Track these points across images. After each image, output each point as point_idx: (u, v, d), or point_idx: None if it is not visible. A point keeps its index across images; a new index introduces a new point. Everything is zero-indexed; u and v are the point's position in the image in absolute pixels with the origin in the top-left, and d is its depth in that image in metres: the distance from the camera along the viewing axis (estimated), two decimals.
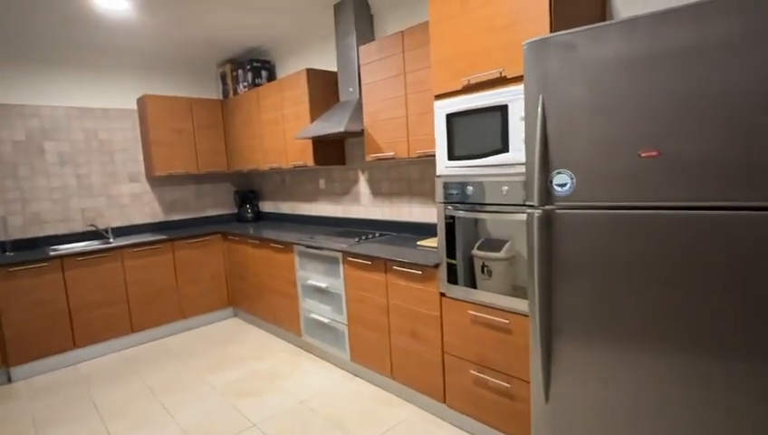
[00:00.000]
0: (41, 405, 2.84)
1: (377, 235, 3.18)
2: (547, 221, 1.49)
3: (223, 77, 4.50)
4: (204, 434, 2.39)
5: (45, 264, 3.27)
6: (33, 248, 3.65)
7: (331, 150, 3.51)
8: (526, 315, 1.86)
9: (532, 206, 1.52)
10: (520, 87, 1.75)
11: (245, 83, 4.17)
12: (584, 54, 1.34)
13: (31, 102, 3.66)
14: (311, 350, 3.37)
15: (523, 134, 1.74)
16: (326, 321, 3.09)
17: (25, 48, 3.53)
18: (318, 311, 3.17)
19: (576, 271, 1.44)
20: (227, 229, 4.18)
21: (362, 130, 2.88)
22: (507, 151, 1.83)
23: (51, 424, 2.61)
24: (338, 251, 2.87)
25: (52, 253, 3.35)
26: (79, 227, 3.92)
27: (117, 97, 4.11)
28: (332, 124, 2.97)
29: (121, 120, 4.13)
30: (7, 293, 3.11)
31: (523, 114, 1.74)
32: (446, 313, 2.22)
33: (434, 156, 2.48)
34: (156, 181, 4.36)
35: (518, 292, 1.87)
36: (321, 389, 2.81)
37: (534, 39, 1.46)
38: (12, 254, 3.43)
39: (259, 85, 4.05)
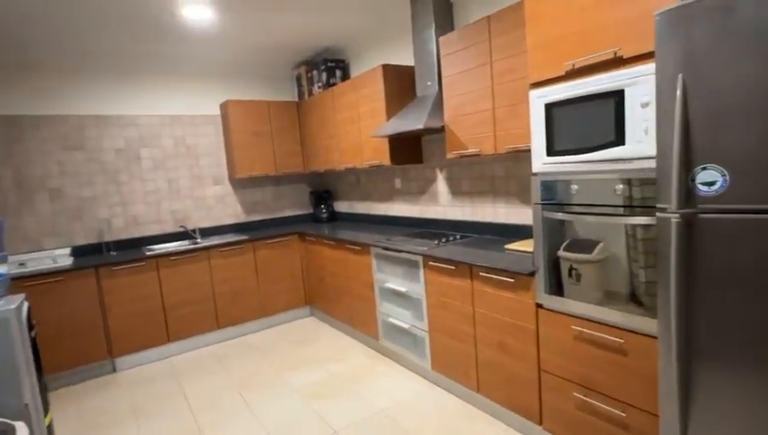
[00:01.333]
0: (139, 395, 3.02)
1: (458, 237, 3.00)
2: (687, 227, 1.23)
3: (298, 79, 4.55)
4: None
5: (142, 263, 3.49)
6: (132, 248, 3.94)
7: (408, 148, 3.38)
8: (647, 335, 1.59)
9: (663, 209, 1.26)
10: (641, 68, 1.49)
11: (320, 84, 4.17)
12: (748, 18, 1.07)
13: (129, 113, 3.94)
14: (388, 354, 3.28)
15: (646, 123, 1.48)
16: (405, 326, 2.98)
17: (124, 64, 3.79)
18: (396, 315, 3.06)
19: (724, 285, 1.17)
20: (304, 230, 4.22)
21: (442, 126, 2.71)
22: (623, 144, 1.57)
23: (147, 413, 2.76)
24: (418, 254, 2.73)
25: (148, 253, 3.58)
26: (170, 228, 4.17)
27: (202, 104, 4.31)
28: (410, 121, 2.83)
29: (206, 126, 4.33)
30: (111, 289, 3.37)
31: (645, 100, 1.48)
32: (544, 326, 1.99)
33: (525, 151, 2.25)
34: (237, 183, 4.52)
35: (630, 306, 1.61)
36: (402, 398, 2.70)
37: (671, 6, 1.20)
38: (114, 253, 3.71)
39: (333, 85, 4.03)
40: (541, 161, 1.89)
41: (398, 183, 3.82)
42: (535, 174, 1.92)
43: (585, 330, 1.80)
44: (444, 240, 2.90)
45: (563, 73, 1.75)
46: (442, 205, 3.36)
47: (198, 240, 4.12)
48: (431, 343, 2.76)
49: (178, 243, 4.08)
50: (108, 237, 3.86)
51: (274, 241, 4.14)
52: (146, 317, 3.53)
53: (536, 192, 1.93)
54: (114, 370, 3.45)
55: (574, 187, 1.76)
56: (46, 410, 2.18)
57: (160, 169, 4.10)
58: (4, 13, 2.58)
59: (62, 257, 3.54)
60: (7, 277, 2.09)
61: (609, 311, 1.70)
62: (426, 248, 2.71)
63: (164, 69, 4.06)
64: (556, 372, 1.97)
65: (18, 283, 3.02)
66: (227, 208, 4.49)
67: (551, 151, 1.84)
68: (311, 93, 4.37)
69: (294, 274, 4.28)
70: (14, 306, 1.98)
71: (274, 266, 4.15)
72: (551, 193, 1.86)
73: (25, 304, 2.12)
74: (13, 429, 1.87)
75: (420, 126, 2.65)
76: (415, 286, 2.82)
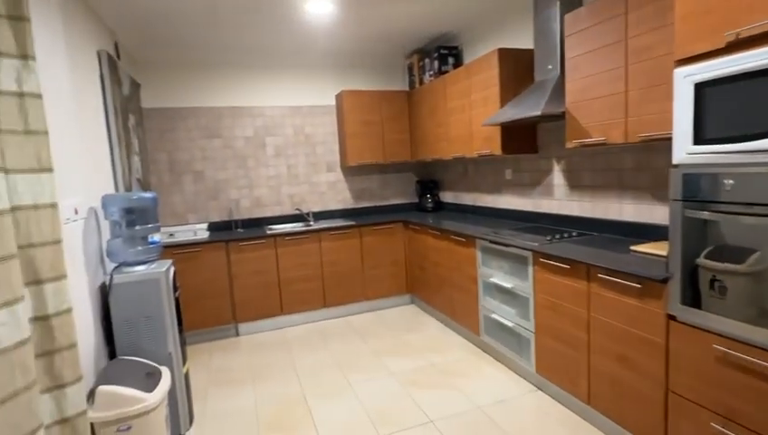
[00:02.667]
0: (256, 359, 3.36)
1: (573, 234, 2.76)
2: None
3: (410, 68, 4.58)
4: (383, 417, 2.45)
5: (263, 241, 3.86)
6: (255, 227, 4.37)
7: (521, 138, 3.18)
8: None
9: None
10: None
11: (431, 72, 4.14)
12: None
13: (258, 104, 4.35)
14: (488, 351, 3.17)
15: None
16: (509, 324, 2.84)
17: (255, 58, 4.19)
18: (500, 312, 2.93)
19: None
20: (408, 218, 4.26)
21: (562, 112, 2.50)
22: None
23: (262, 377, 3.05)
24: (527, 250, 2.57)
25: (268, 232, 3.94)
26: (287, 210, 4.54)
27: (319, 95, 4.58)
28: (526, 108, 2.66)
29: (323, 116, 4.59)
30: (238, 262, 3.79)
31: None
32: (677, 341, 1.73)
33: (663, 140, 1.96)
34: (348, 171, 4.73)
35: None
36: (501, 397, 2.59)
37: None
38: (241, 230, 4.16)
39: (445, 73, 3.96)
40: (685, 151, 1.62)
41: (508, 174, 3.64)
42: (676, 166, 1.66)
43: (732, 351, 1.52)
44: (558, 236, 2.69)
45: (723, 46, 1.47)
46: (557, 199, 3.12)
47: (311, 223, 4.42)
48: (537, 345, 2.59)
49: (294, 224, 4.42)
50: (236, 216, 4.34)
51: (380, 228, 4.25)
52: (264, 289, 3.90)
53: (676, 187, 1.67)
54: (237, 334, 3.89)
55: (728, 181, 1.48)
56: (184, 361, 2.54)
57: (281, 155, 4.47)
58: (168, 20, 3.01)
59: (201, 231, 4.08)
60: (160, 244, 2.46)
61: (766, 332, 1.40)
62: (537, 244, 2.54)
63: (288, 62, 4.39)
64: (689, 395, 1.70)
65: (167, 250, 3.55)
66: (338, 194, 4.73)
67: (699, 139, 1.57)
68: (421, 82, 4.37)
69: (397, 261, 4.35)
70: (163, 269, 2.33)
71: (378, 252, 4.27)
72: (695, 188, 1.60)
73: (172, 269, 2.47)
74: (159, 372, 2.21)
75: (537, 112, 2.47)
76: (522, 284, 2.67)
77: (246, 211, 4.39)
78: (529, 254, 2.57)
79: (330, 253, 4.10)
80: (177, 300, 2.47)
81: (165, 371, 2.22)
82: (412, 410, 2.52)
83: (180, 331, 2.50)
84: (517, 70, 3.10)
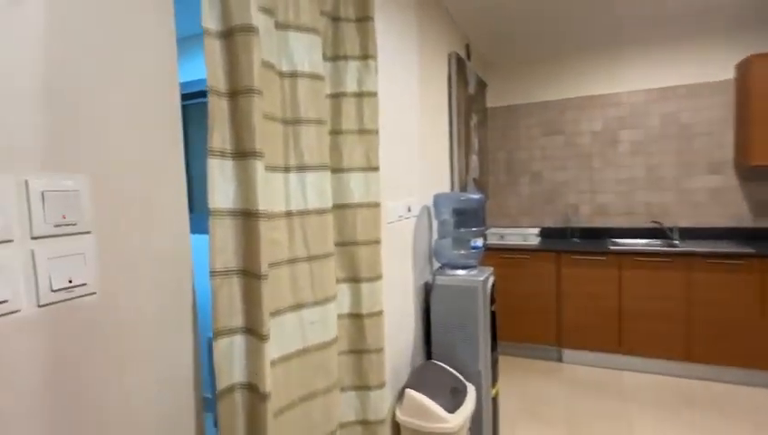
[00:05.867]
0: (579, 400, 2.76)
1: None
2: None
3: None
4: None
5: (603, 257, 3.14)
6: (594, 238, 3.67)
7: None
8: None
9: None
10: None
11: None
12: None
13: (611, 91, 3.59)
14: None
15: None
16: None
17: (611, 36, 3.44)
18: None
19: None
20: None
21: None
22: None
23: (582, 427, 2.44)
24: None
25: (611, 247, 3.18)
26: (640, 223, 3.57)
27: (707, 68, 3.32)
28: None
29: (710, 97, 3.32)
30: (569, 278, 3.24)
31: None
32: None
33: None
34: (747, 173, 3.26)
35: None
36: None
37: None
38: (577, 241, 3.57)
39: None
40: None
41: None
42: None
43: None
44: None
45: None
46: None
47: (676, 242, 3.30)
48: None
49: (648, 241, 3.43)
50: (573, 223, 3.77)
51: None
52: (599, 316, 3.19)
53: None
54: (560, 359, 3.37)
55: None
56: (494, 382, 2.28)
57: (639, 153, 3.54)
58: (521, 16, 2.80)
59: (531, 236, 3.77)
60: (481, 250, 2.28)
61: None
62: None
63: (650, 35, 3.38)
64: None
65: (495, 253, 3.42)
66: (725, 207, 3.34)
67: None
68: None
69: None
70: (482, 278, 2.13)
71: None
72: None
73: (491, 279, 2.25)
74: (465, 388, 2.03)
75: None
76: None
77: (585, 219, 3.74)
78: None
79: (704, 288, 2.92)
80: (493, 314, 2.24)
81: (471, 390, 2.03)
82: None
83: (494, 348, 2.26)
84: None
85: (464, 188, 3.02)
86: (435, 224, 2.47)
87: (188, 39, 2.32)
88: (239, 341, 0.92)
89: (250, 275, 0.91)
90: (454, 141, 2.81)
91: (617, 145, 3.60)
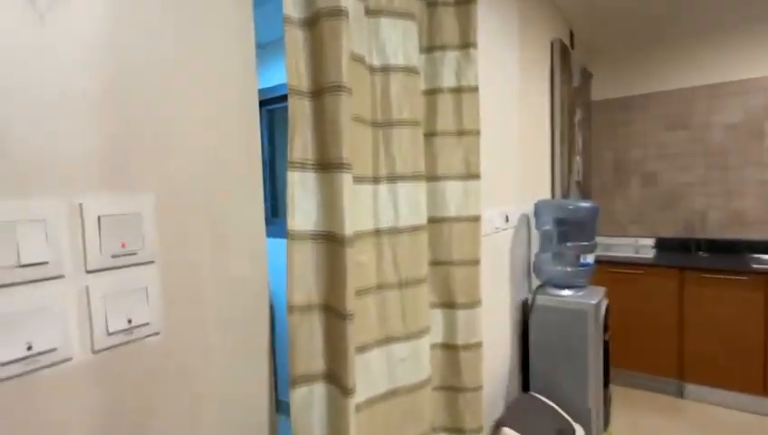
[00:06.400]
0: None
1: None
2: None
3: None
4: None
5: (743, 277, 2.58)
6: (727, 253, 3.06)
7: None
8: None
9: None
10: None
11: None
12: None
13: (751, 75, 2.96)
14: None
15: None
16: None
17: (756, 8, 2.83)
18: None
19: None
20: None
21: None
22: None
23: None
24: None
25: (754, 265, 2.61)
26: None
27: None
28: None
29: None
30: (695, 299, 2.73)
31: None
32: None
33: None
34: None
35: None
36: None
37: None
38: (705, 255, 3.00)
39: None
40: None
41: None
42: None
43: None
44: None
45: None
46: None
47: None
48: None
49: None
50: (699, 234, 3.19)
51: None
52: (734, 349, 2.64)
53: None
54: (681, 395, 2.85)
55: None
56: (606, 424, 1.95)
57: None
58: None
59: (644, 248, 3.26)
60: (592, 267, 1.95)
61: None
62: None
63: None
64: None
65: (597, 266, 3.00)
66: None
67: None
68: None
69: None
70: (593, 301, 1.81)
71: None
72: None
73: (604, 302, 1.91)
74: (572, 430, 1.74)
75: None
76: None
77: (716, 228, 3.14)
78: None
79: None
80: (606, 344, 1.90)
81: (579, 429, 1.73)
82: None
83: (606, 383, 1.93)
84: None
85: (566, 194, 2.67)
86: (534, 234, 2.18)
87: (279, 41, 2.28)
88: (319, 390, 0.77)
89: (334, 312, 0.76)
90: (556, 140, 2.48)
91: (762, 139, 2.96)
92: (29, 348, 0.50)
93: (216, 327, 0.71)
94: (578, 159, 2.92)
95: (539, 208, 1.99)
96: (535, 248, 2.12)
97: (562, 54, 2.49)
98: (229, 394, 0.73)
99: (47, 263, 0.52)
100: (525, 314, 2.01)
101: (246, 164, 0.75)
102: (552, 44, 2.43)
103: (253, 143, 0.76)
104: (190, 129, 0.67)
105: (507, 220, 1.85)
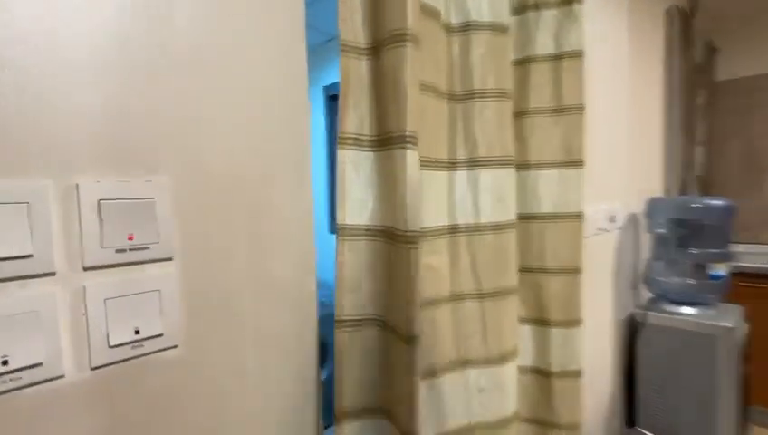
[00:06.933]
0: None
1: None
2: None
3: None
4: None
5: None
6: None
7: None
8: None
9: None
10: None
11: None
12: None
13: None
14: None
15: None
16: None
17: None
18: None
19: None
20: None
21: None
22: None
23: None
24: None
25: None
26: None
27: None
28: None
29: None
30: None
31: None
32: None
33: None
34: None
35: None
36: None
37: None
38: None
39: None
40: None
41: None
42: None
43: None
44: None
45: None
46: None
47: None
48: None
49: None
50: None
51: None
52: None
53: None
54: None
55: None
56: None
57: None
58: None
59: None
60: (725, 280, 1.57)
61: None
62: None
63: None
64: None
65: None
66: None
67: None
68: None
69: None
70: (728, 324, 1.44)
71: None
72: None
73: (744, 326, 1.53)
74: None
75: None
76: None
77: None
78: None
79: None
80: (745, 379, 1.51)
81: None
82: None
83: (743, 425, 1.54)
84: None
85: (683, 191, 2.24)
86: (643, 238, 1.82)
87: None
88: (372, 429, 0.61)
89: (394, 331, 0.59)
90: (673, 127, 2.08)
91: None
92: (4, 363, 0.40)
93: (252, 340, 0.58)
94: (700, 149, 2.44)
95: (653, 207, 1.65)
96: (646, 254, 1.77)
97: (683, 23, 2.08)
98: (268, 424, 0.60)
99: (31, 256, 0.41)
100: (632, 332, 1.68)
101: (292, 144, 0.61)
102: (667, 11, 2.04)
103: (302, 120, 0.62)
104: (224, 99, 0.54)
105: (613, 221, 1.55)
